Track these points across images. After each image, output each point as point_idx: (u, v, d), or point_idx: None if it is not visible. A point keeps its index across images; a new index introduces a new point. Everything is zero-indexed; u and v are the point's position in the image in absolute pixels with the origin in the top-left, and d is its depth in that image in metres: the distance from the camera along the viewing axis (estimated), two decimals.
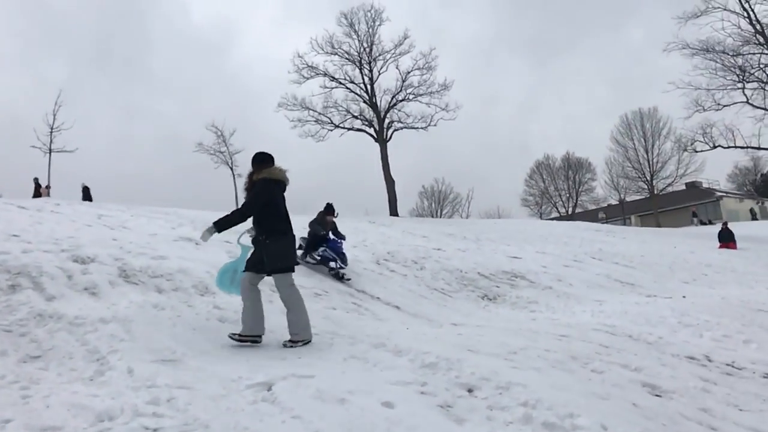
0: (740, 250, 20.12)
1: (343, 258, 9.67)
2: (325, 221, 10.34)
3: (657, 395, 5.41)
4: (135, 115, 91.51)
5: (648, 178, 50.14)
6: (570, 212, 58.60)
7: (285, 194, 6.04)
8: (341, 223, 16.95)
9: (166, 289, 7.28)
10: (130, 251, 8.56)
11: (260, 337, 5.69)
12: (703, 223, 42.43)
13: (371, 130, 30.97)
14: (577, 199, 60.10)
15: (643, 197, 52.16)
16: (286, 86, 55.70)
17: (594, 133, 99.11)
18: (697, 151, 29.56)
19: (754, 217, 47.11)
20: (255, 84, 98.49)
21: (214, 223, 5.69)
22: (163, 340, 5.41)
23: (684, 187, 53.57)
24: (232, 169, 36.43)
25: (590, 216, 52.80)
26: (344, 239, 10.32)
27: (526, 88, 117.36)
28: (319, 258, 9.82)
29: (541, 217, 57.43)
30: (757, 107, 25.80)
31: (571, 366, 5.91)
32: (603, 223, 39.54)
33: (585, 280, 12.72)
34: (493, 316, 8.67)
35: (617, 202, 54.81)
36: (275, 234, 5.74)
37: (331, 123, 30.90)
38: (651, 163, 50.18)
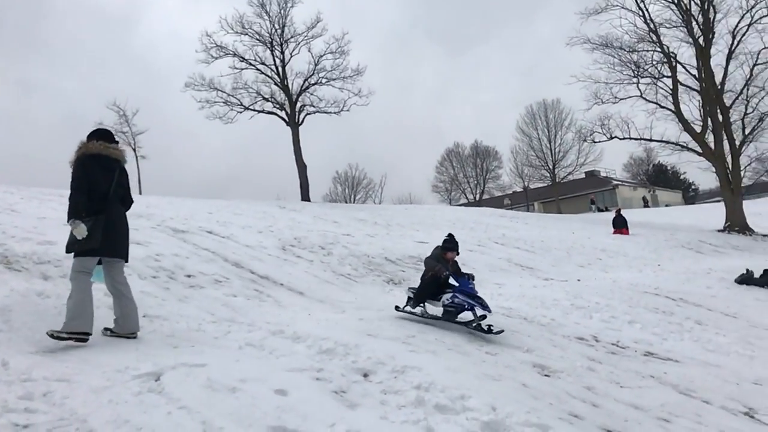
0: (632, 235, 21.29)
1: (482, 302, 6.89)
2: (444, 259, 7.47)
3: (546, 375, 5.65)
4: (31, 91, 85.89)
5: (550, 167, 52.32)
6: (477, 198, 60.26)
7: (125, 170, 5.58)
8: (251, 209, 16.63)
9: (52, 276, 6.87)
10: (14, 236, 8.02)
11: (87, 335, 5.00)
12: (600, 210, 44.74)
13: (282, 114, 30.39)
14: (484, 186, 61.94)
15: (546, 185, 54.37)
16: (194, 66, 53.73)
17: (503, 122, 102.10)
18: (595, 142, 30.89)
19: (646, 205, 50.17)
20: (162, 62, 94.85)
21: (70, 219, 5.14)
22: (46, 330, 5.10)
23: (584, 176, 56.20)
24: (135, 150, 34.93)
25: (496, 202, 54.48)
26: (473, 279, 7.41)
27: (441, 76, 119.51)
28: (447, 309, 7.12)
29: (450, 203, 58.71)
30: (650, 101, 27.32)
31: (467, 348, 6.07)
32: (508, 209, 40.87)
33: (488, 264, 13.09)
34: (397, 301, 8.75)
35: (522, 189, 56.85)
36: (90, 214, 5.17)
37: (241, 105, 30.01)
38: (553, 152, 52.42)
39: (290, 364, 4.80)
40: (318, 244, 12.02)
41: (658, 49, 27.06)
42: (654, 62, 27.29)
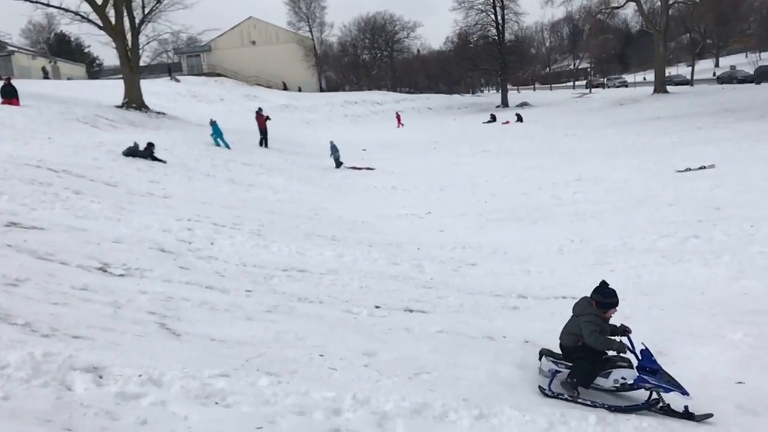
0: (23, 107, 19.83)
1: (677, 383, 4.73)
2: (604, 320, 5.05)
3: None
4: None
5: None
6: None
7: None
8: None
9: None
10: None
11: None
12: None
13: None
14: None
15: None
16: None
17: None
18: None
19: (46, 76, 47.12)
20: None
21: None
22: None
23: None
24: None
25: None
26: (630, 332, 5.13)
27: None
28: (624, 386, 4.98)
29: None
30: None
31: None
32: None
33: None
34: None
35: None
36: None
37: None
38: None
39: None
40: None
41: None
42: None
